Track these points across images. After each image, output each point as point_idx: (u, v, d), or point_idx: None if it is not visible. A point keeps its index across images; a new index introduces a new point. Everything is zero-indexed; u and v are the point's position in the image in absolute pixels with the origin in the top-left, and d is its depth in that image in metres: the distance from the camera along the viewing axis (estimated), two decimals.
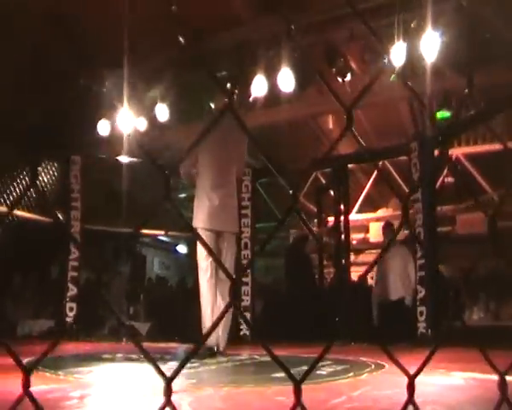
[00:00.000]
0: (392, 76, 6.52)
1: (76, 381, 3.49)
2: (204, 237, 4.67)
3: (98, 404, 2.73)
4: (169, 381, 0.81)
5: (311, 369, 0.89)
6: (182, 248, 15.22)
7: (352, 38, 7.27)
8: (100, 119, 9.08)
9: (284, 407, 2.47)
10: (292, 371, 2.93)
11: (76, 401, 2.53)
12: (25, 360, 3.00)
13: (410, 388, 0.93)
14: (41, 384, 3.16)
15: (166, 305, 8.96)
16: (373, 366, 4.01)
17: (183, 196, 10.66)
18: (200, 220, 4.83)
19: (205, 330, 4.81)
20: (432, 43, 6.59)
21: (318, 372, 3.81)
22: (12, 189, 8.48)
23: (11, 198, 8.44)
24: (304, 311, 7.88)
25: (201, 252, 4.78)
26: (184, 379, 3.66)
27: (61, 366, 4.17)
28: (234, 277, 3.20)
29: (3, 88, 7.28)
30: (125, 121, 8.91)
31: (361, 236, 11.64)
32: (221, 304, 4.83)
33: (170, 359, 5.15)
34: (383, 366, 3.99)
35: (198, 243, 4.62)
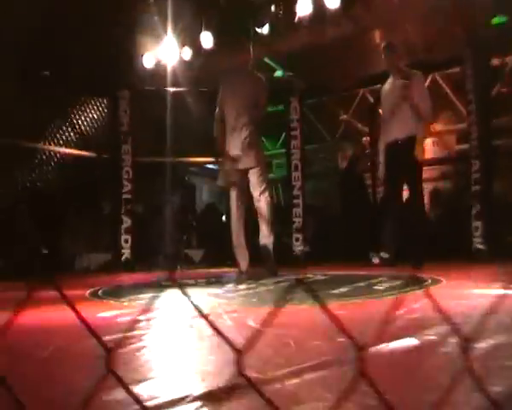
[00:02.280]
0: None
1: (139, 306, 3.62)
2: (233, 174, 5.39)
3: (164, 325, 2.84)
4: (109, 352, 0.81)
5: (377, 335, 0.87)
6: None
7: None
8: (145, 51, 9.04)
9: (346, 319, 2.51)
10: (349, 288, 2.94)
11: (145, 324, 2.63)
12: (86, 292, 3.13)
13: None
14: (109, 311, 3.30)
15: (217, 232, 9.09)
16: (430, 281, 4.00)
17: None
18: (226, 161, 5.47)
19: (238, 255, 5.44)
20: None
21: (376, 288, 3.85)
22: (65, 128, 8.58)
23: (64, 137, 8.56)
24: (359, 230, 7.86)
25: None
26: (246, 299, 3.76)
27: (122, 295, 4.33)
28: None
29: (45, 24, 7.26)
30: (170, 52, 8.85)
31: None
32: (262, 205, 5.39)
33: (225, 281, 5.30)
34: (440, 281, 3.97)
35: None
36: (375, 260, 6.21)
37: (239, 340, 1.85)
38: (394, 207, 5.97)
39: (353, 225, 8.09)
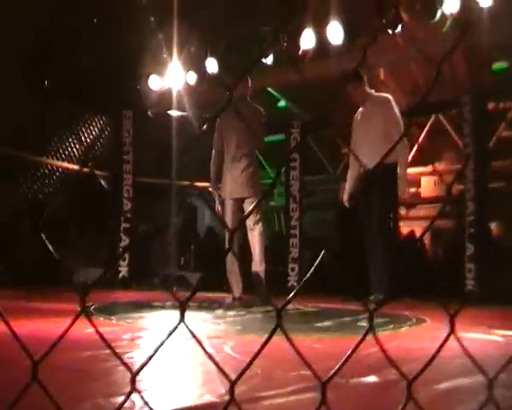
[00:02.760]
0: (446, 26, 6.33)
1: (127, 325, 3.69)
2: (229, 204, 5.50)
3: (147, 345, 2.90)
4: (134, 375, 0.87)
5: (338, 369, 0.94)
6: None
7: None
8: (151, 73, 9.20)
9: (321, 353, 2.57)
10: (334, 323, 2.99)
11: (126, 343, 2.70)
12: (79, 307, 3.14)
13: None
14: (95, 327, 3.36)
15: (215, 255, 9.14)
16: (414, 320, 4.05)
17: None
18: (224, 191, 5.55)
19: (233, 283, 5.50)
20: None
21: (359, 324, 3.90)
22: (68, 143, 8.74)
23: (67, 151, 8.71)
24: (353, 263, 7.89)
25: (227, 215, 5.54)
26: (230, 326, 3.82)
27: (114, 312, 4.40)
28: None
29: (54, 37, 7.44)
30: (175, 75, 9.01)
31: (413, 190, 11.45)
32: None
33: (216, 307, 5.35)
34: (424, 321, 4.03)
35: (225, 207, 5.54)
36: (371, 306, 6.03)
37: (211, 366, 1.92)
38: (370, 243, 5.68)
39: (353, 258, 8.13)
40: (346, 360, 0.95)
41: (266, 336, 0.90)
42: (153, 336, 3.21)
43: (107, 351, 2.37)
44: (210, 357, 0.91)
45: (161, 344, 0.87)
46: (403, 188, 5.49)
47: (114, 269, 8.37)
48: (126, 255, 8.41)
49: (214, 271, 8.81)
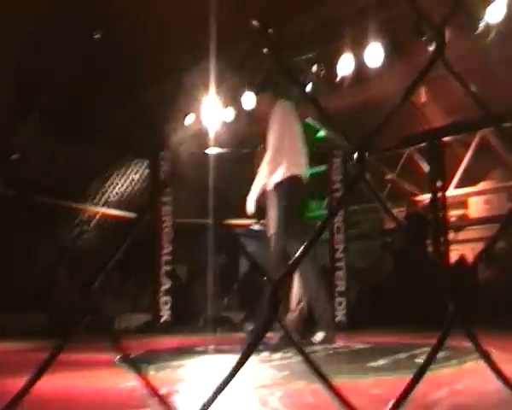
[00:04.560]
0: (490, 37, 6.03)
1: (165, 377, 3.43)
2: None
3: (184, 401, 2.64)
4: None
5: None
6: None
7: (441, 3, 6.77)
8: (188, 112, 9.14)
9: (380, 401, 2.26)
10: (389, 360, 2.62)
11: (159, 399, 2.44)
12: (116, 357, 2.88)
13: None
14: (130, 381, 3.13)
15: (259, 294, 8.87)
16: (477, 353, 3.68)
17: None
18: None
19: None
20: None
21: (417, 360, 3.55)
22: (105, 188, 8.73)
23: (105, 197, 8.69)
24: (403, 294, 7.53)
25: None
26: (277, 371, 3.52)
27: (153, 361, 4.16)
28: None
29: (90, 88, 7.46)
30: (212, 113, 8.92)
31: (460, 212, 11.03)
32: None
33: (262, 349, 5.05)
34: (490, 352, 3.65)
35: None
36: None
37: None
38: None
39: (397, 288, 7.78)
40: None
41: (315, 383, 0.77)
42: (190, 389, 2.94)
43: None
44: None
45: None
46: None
47: (156, 314, 8.17)
48: (169, 299, 8.20)
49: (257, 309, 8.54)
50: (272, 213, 5.11)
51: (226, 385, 0.71)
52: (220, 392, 0.71)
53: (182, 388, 2.83)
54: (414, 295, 7.33)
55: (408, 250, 8.32)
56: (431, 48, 6.84)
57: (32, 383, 0.70)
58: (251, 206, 5.19)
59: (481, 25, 6.16)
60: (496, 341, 4.26)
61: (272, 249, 5.04)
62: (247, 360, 0.70)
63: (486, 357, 0.75)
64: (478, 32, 6.23)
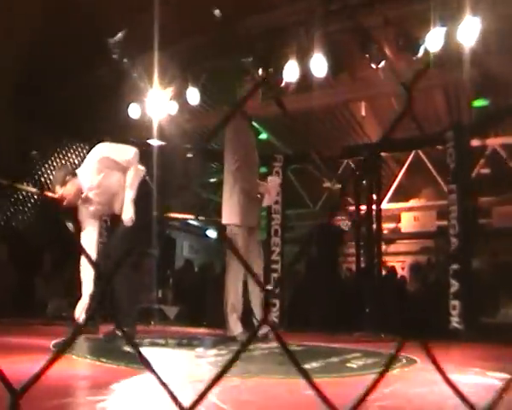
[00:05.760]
0: (428, 62, 6.33)
1: (102, 365, 3.47)
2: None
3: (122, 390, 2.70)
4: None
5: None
6: (211, 233, 15.23)
7: (387, 24, 7.06)
8: (131, 102, 9.05)
9: (314, 402, 2.39)
10: (322, 363, 2.79)
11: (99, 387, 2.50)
12: (52, 342, 2.92)
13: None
14: (71, 369, 3.15)
15: (194, 289, 8.94)
16: (404, 361, 3.90)
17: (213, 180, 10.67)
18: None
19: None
20: (470, 29, 6.32)
21: (348, 365, 3.74)
22: (41, 170, 8.54)
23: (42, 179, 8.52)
24: (334, 299, 7.80)
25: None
26: (212, 368, 3.62)
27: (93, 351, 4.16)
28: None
29: (32, 73, 7.30)
30: (156, 105, 8.86)
31: (392, 225, 11.48)
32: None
33: (197, 345, 5.13)
34: (415, 361, 3.88)
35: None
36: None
37: None
38: None
39: (327, 293, 8.04)
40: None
41: (252, 380, 0.80)
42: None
43: (89, 398, 2.19)
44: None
45: None
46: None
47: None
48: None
49: (192, 305, 8.60)
50: None
51: (218, 381, 0.77)
52: (211, 388, 0.76)
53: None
54: (328, 300, 7.65)
55: (318, 259, 8.66)
56: (373, 65, 7.13)
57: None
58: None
59: (421, 49, 6.47)
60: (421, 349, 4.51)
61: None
62: (237, 358, 0.77)
63: (437, 367, 0.87)
64: (418, 56, 6.54)
